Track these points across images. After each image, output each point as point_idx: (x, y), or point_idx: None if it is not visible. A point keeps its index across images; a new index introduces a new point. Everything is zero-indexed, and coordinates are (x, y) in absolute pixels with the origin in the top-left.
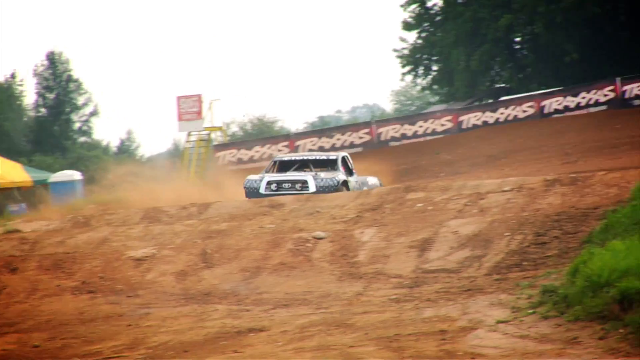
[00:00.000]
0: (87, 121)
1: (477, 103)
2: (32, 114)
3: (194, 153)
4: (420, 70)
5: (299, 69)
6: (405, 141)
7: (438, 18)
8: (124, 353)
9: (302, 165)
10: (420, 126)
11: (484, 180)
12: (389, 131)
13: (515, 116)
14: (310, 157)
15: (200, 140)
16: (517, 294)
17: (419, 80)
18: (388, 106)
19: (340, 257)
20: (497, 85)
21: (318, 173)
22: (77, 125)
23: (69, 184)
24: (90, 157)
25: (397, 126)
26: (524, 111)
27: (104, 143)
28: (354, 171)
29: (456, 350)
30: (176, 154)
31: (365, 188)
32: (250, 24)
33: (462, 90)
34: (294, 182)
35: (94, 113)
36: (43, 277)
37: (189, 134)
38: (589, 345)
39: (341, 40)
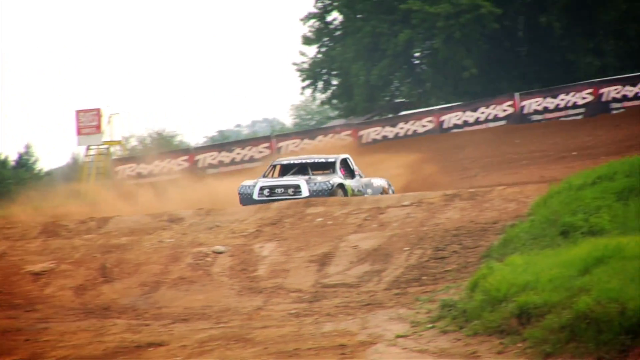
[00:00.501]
0: None
1: (376, 118)
2: None
3: (93, 167)
4: (320, 84)
5: (198, 83)
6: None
7: (338, 33)
8: None
9: (301, 168)
10: (320, 140)
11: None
12: (288, 145)
13: (415, 131)
14: (309, 160)
15: (100, 154)
16: (416, 308)
17: (318, 95)
18: (288, 121)
19: (240, 271)
20: (397, 100)
21: (312, 177)
22: None
23: None
24: None
25: (297, 140)
26: (424, 126)
27: (2, 157)
28: (357, 173)
29: None
30: (75, 168)
31: (369, 191)
32: (149, 38)
33: (362, 105)
34: (286, 186)
35: None
36: None
37: (88, 148)
38: None
39: (241, 54)
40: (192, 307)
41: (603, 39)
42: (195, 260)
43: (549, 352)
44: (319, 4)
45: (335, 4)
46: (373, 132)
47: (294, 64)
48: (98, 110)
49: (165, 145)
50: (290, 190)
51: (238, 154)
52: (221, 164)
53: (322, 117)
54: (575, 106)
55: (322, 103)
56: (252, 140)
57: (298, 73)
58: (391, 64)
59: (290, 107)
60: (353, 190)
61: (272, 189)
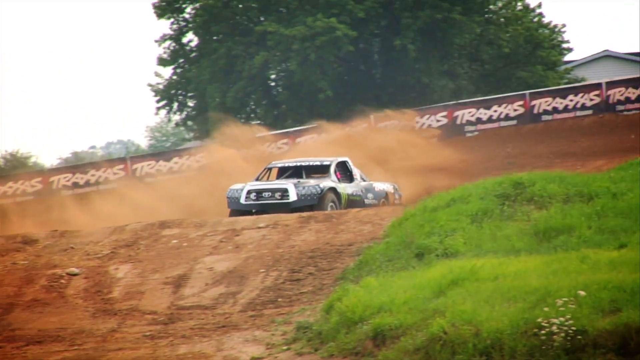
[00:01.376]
0: None
1: None
2: None
3: None
4: (175, 105)
5: (52, 102)
6: (160, 177)
7: (193, 54)
8: None
9: (296, 171)
10: (176, 162)
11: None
12: (144, 167)
13: (271, 153)
14: (304, 163)
15: None
16: (272, 330)
17: (173, 116)
18: (143, 142)
19: (95, 293)
20: (253, 122)
21: (303, 181)
22: None
23: None
24: None
25: (153, 162)
26: (279, 148)
27: None
28: (356, 177)
29: None
30: None
31: (369, 195)
32: (4, 53)
33: (216, 127)
34: (274, 190)
35: None
36: None
37: None
38: None
39: (95, 74)
40: (47, 329)
41: (457, 62)
42: (49, 282)
43: None
44: (175, 26)
45: (191, 25)
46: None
47: (149, 84)
48: None
49: (19, 167)
50: (277, 195)
51: (93, 175)
52: (76, 185)
53: (178, 139)
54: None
55: (177, 125)
56: (107, 162)
57: (153, 94)
58: (247, 86)
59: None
60: (348, 196)
61: (259, 192)
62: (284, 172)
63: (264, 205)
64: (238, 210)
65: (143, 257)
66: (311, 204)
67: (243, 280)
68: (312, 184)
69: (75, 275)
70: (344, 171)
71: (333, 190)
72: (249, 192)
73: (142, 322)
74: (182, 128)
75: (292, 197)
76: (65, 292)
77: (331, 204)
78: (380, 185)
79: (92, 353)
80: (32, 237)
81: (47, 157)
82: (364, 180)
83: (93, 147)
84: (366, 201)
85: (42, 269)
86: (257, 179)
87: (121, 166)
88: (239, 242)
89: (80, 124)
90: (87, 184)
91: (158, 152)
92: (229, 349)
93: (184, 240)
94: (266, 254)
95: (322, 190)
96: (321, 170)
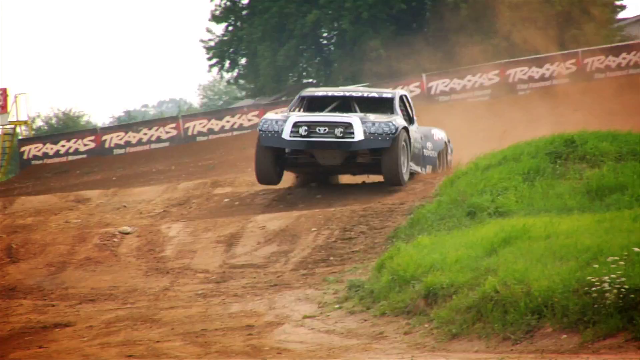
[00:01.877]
0: None
1: (284, 98)
2: None
3: None
4: (227, 63)
5: (105, 62)
6: (212, 136)
7: (245, 12)
8: None
9: (343, 104)
10: (228, 121)
11: None
12: (196, 126)
13: None
14: (355, 94)
15: (6, 134)
16: (323, 289)
17: (225, 74)
18: (195, 101)
19: (147, 252)
20: (305, 81)
21: (368, 115)
22: None
23: None
24: None
25: (205, 121)
26: None
27: None
28: (414, 118)
29: (263, 345)
30: None
31: (428, 145)
32: (55, 16)
33: (269, 86)
34: (333, 124)
35: None
36: None
37: None
38: (395, 340)
39: (148, 33)
40: (99, 287)
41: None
42: (102, 240)
43: (456, 332)
44: None
45: None
46: None
47: (201, 40)
48: (4, 90)
49: (72, 126)
50: (337, 131)
51: (145, 134)
52: (128, 144)
53: (230, 98)
54: (482, 87)
55: (229, 83)
56: (159, 121)
57: (205, 51)
58: (299, 45)
59: (198, 87)
60: (415, 140)
61: (311, 126)
62: (325, 105)
63: (316, 143)
64: (275, 148)
65: (195, 216)
66: (381, 146)
67: (295, 239)
68: (384, 120)
69: (127, 233)
70: (404, 109)
71: (406, 131)
72: (296, 125)
73: (194, 280)
74: (234, 86)
75: (358, 135)
76: (117, 250)
77: (402, 150)
78: (438, 133)
79: (145, 311)
80: (85, 196)
81: (100, 116)
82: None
83: (145, 105)
84: (425, 152)
85: (95, 228)
86: (290, 110)
87: (173, 125)
88: (291, 201)
89: (133, 82)
90: (140, 142)
91: (210, 111)
92: (281, 307)
93: (235, 199)
94: (318, 213)
95: (396, 129)
96: (381, 104)
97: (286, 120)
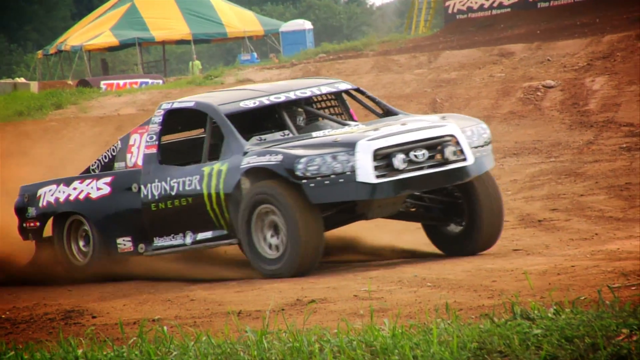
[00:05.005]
0: None
1: None
2: None
3: (424, 1)
4: None
5: None
6: None
7: None
8: None
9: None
10: None
11: None
12: None
13: None
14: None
15: None
16: None
17: None
18: None
19: (571, 105)
20: None
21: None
22: None
23: (299, 33)
24: (321, 7)
25: None
26: None
27: None
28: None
29: None
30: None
31: None
32: None
33: None
34: (429, 142)
35: None
36: None
37: None
38: None
39: None
40: (523, 141)
41: None
42: (525, 94)
43: None
44: None
45: None
46: None
47: None
48: None
49: None
50: (440, 152)
51: None
52: None
53: None
54: None
55: None
56: None
57: None
58: None
59: None
60: None
61: (406, 151)
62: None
63: (423, 180)
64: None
65: (619, 69)
66: (488, 168)
67: None
68: (471, 124)
69: (551, 87)
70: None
71: None
72: (380, 154)
73: (618, 134)
74: None
75: (469, 154)
76: (541, 104)
77: None
78: None
79: (569, 165)
80: (509, 50)
81: None
82: None
83: None
84: None
85: (519, 82)
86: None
87: None
88: None
89: None
90: None
91: None
92: None
93: None
94: None
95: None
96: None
97: (351, 147)
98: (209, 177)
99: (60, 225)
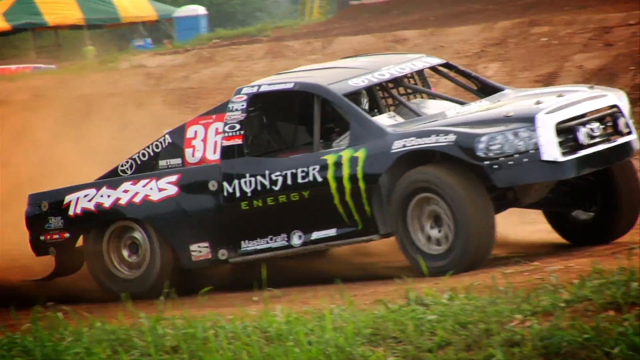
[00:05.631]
0: None
1: None
2: None
3: None
4: None
5: None
6: None
7: None
8: None
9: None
10: None
11: None
12: None
13: None
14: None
15: None
16: None
17: None
18: None
19: (464, 91)
20: None
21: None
22: None
23: (193, 19)
24: None
25: None
26: None
27: None
28: None
29: None
30: None
31: None
32: None
33: None
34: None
35: None
36: (168, 113)
37: None
38: None
39: None
40: None
41: None
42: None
43: None
44: None
45: None
46: None
47: None
48: None
49: None
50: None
51: None
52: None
53: None
54: None
55: None
56: None
57: None
58: None
59: None
60: None
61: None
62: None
63: (604, 156)
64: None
65: (512, 56)
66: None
67: (612, 78)
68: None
69: None
70: None
71: None
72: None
73: None
74: None
75: (634, 131)
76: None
77: None
78: None
79: None
80: (403, 36)
81: None
82: None
83: None
84: None
85: None
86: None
87: None
88: (609, 40)
89: None
90: None
91: None
92: None
93: (553, 38)
94: (636, 52)
95: None
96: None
97: (531, 122)
98: (336, 167)
99: (98, 235)
